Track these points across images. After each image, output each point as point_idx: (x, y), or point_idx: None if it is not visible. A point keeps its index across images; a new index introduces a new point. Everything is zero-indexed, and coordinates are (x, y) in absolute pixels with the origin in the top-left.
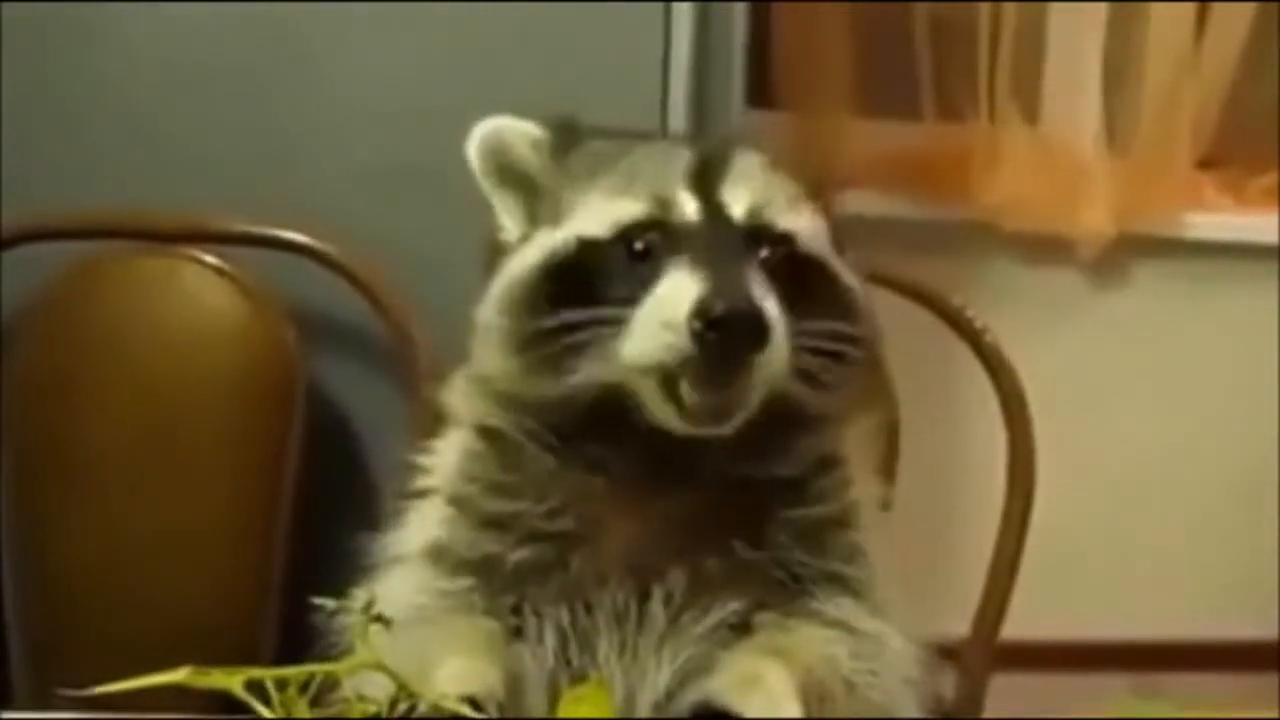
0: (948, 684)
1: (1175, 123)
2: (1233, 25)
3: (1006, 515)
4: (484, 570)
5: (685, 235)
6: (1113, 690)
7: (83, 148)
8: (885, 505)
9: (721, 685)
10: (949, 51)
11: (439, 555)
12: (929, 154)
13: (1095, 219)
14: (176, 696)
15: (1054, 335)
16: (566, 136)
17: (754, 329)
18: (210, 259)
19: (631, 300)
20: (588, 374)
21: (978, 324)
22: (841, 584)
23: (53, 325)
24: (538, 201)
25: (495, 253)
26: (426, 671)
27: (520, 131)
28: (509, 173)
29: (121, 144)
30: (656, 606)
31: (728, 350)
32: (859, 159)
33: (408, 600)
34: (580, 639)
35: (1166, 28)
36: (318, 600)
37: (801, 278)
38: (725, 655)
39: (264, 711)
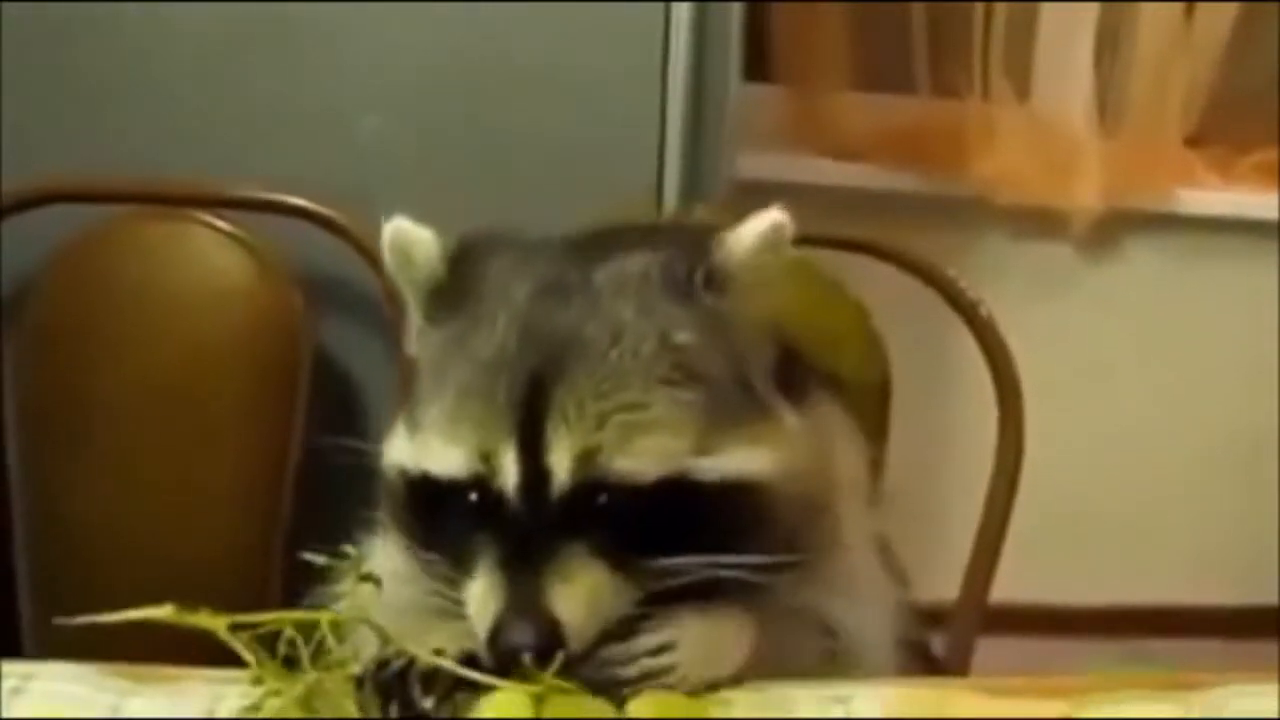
0: (936, 644)
1: (1166, 100)
2: (1223, 4)
3: (996, 481)
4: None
5: (503, 510)
6: (1102, 654)
7: (94, 112)
8: (877, 470)
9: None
10: (943, 28)
11: (397, 578)
12: (923, 129)
13: (1086, 194)
14: (183, 647)
15: (1045, 308)
16: (456, 281)
17: (546, 649)
18: (220, 224)
19: (461, 556)
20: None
21: (970, 295)
22: None
23: (64, 288)
24: (418, 347)
25: (409, 365)
26: (424, 628)
27: (422, 253)
28: (411, 281)
29: (133, 109)
30: None
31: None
32: (854, 133)
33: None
34: None
35: (1158, 6)
36: (308, 555)
37: (656, 501)
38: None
39: (248, 656)
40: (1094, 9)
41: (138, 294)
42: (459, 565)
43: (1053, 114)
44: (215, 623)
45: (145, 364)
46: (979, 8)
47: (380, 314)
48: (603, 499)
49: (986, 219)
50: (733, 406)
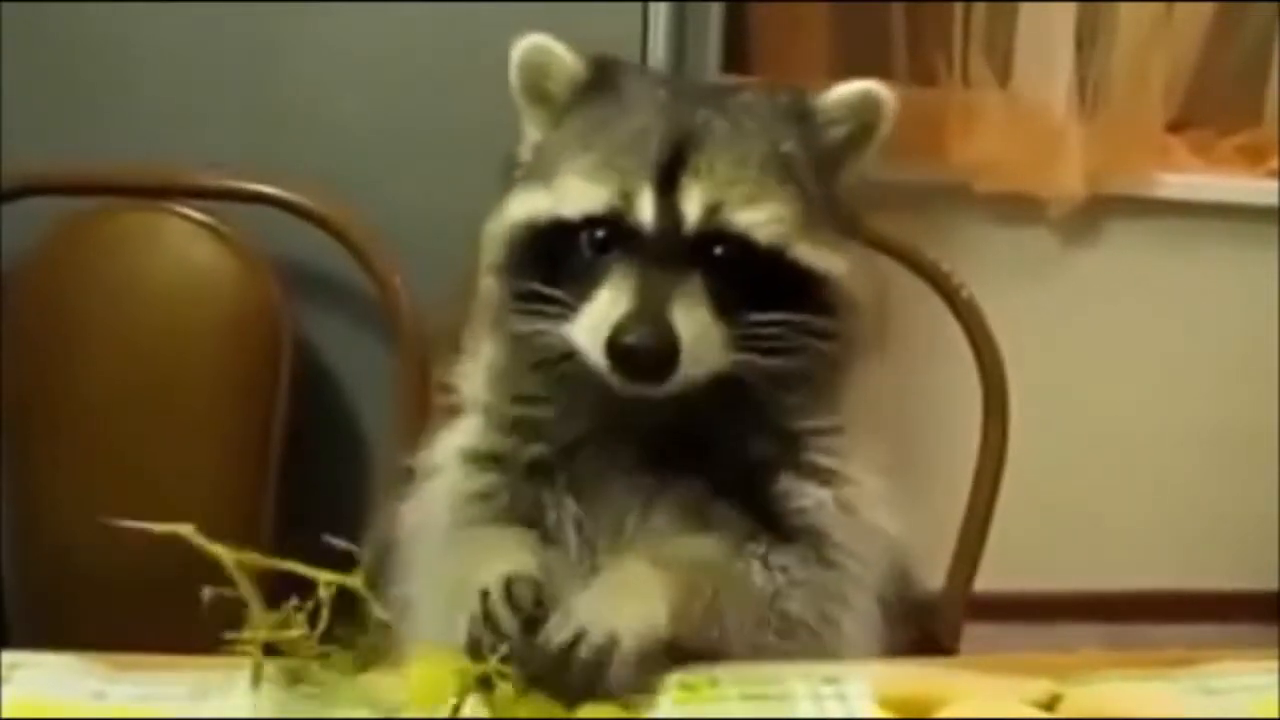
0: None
1: (1147, 85)
2: None
3: (981, 468)
4: (507, 468)
5: (637, 237)
6: (1087, 640)
7: (73, 104)
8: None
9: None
10: (922, 14)
11: (468, 457)
12: (903, 116)
13: (1067, 180)
14: (167, 638)
15: (1026, 294)
16: (598, 80)
17: (660, 359)
18: (196, 214)
19: (584, 287)
20: (548, 336)
21: (954, 280)
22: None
23: (41, 280)
24: (549, 135)
25: (508, 166)
26: (471, 574)
27: (563, 64)
28: (542, 93)
29: (110, 100)
30: (652, 513)
31: (635, 375)
32: None
33: (443, 505)
34: (589, 532)
35: None
36: (327, 537)
37: (759, 267)
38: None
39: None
40: None
41: (115, 286)
42: (582, 293)
43: (1033, 98)
44: (225, 555)
45: (124, 356)
46: None
47: (359, 301)
48: (721, 249)
49: (967, 205)
50: (821, 216)
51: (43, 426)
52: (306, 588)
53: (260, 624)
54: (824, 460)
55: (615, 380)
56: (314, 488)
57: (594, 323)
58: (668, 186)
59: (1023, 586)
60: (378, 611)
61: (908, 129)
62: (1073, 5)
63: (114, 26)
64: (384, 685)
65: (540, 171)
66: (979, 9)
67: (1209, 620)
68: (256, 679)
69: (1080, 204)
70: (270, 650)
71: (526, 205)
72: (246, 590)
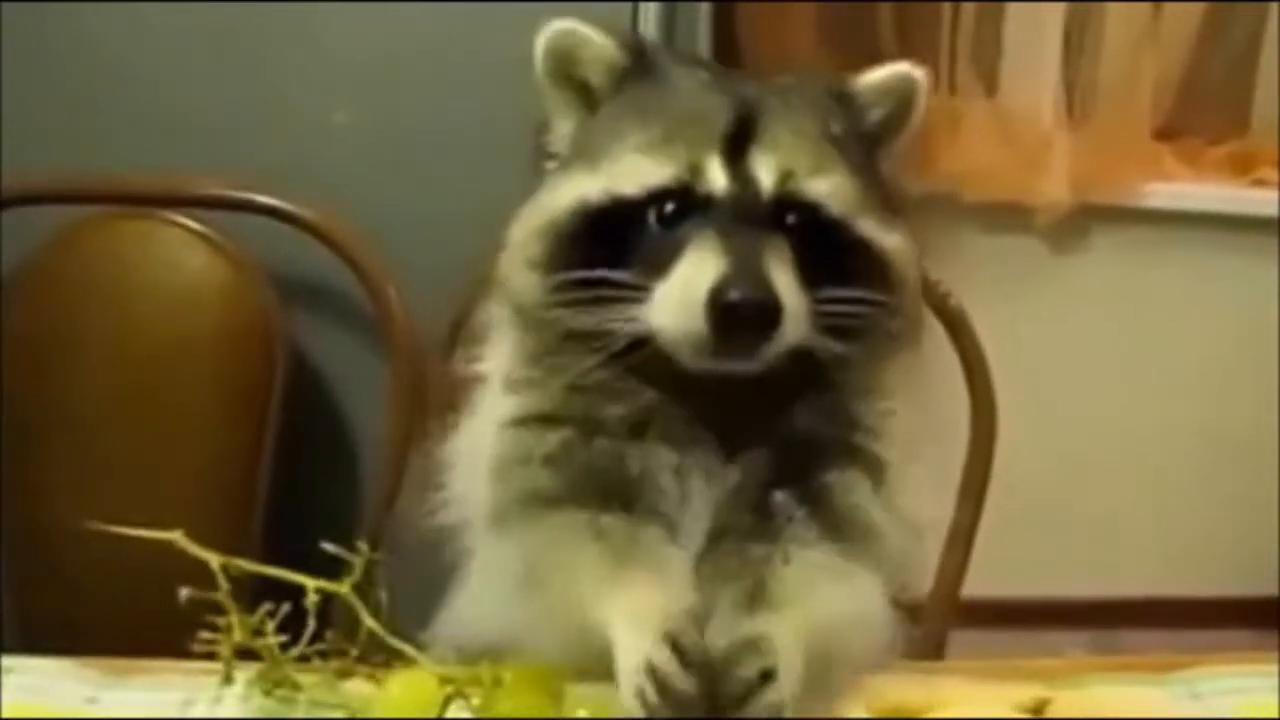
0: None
1: (1134, 93)
2: None
3: (967, 475)
4: (577, 425)
5: (713, 206)
6: (1073, 646)
7: (70, 113)
8: None
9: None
10: (910, 22)
11: (520, 422)
12: None
13: (1054, 188)
14: (160, 643)
15: (1013, 303)
16: (638, 66)
17: (766, 316)
18: (190, 223)
19: (655, 265)
20: (614, 325)
21: (941, 288)
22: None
23: (37, 287)
24: (588, 120)
25: (538, 157)
26: (597, 601)
27: (599, 49)
28: (572, 80)
29: (108, 109)
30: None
31: (740, 334)
32: None
33: (490, 474)
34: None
35: None
36: (325, 545)
37: (827, 241)
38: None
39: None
40: (1062, 1)
41: (109, 294)
42: (653, 272)
43: (1020, 106)
44: (213, 560)
45: (118, 364)
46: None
47: (354, 309)
48: (794, 219)
49: (954, 214)
50: (874, 193)
51: (39, 432)
52: (300, 594)
53: (236, 628)
54: (873, 446)
55: (707, 350)
56: (307, 494)
57: (684, 288)
58: (737, 156)
59: (1011, 592)
60: (366, 619)
61: None
62: (1060, 12)
63: (110, 34)
64: (364, 694)
65: (584, 155)
66: (967, 16)
67: (1201, 626)
68: (227, 678)
69: (1067, 212)
70: (251, 654)
71: (574, 189)
72: (224, 595)
